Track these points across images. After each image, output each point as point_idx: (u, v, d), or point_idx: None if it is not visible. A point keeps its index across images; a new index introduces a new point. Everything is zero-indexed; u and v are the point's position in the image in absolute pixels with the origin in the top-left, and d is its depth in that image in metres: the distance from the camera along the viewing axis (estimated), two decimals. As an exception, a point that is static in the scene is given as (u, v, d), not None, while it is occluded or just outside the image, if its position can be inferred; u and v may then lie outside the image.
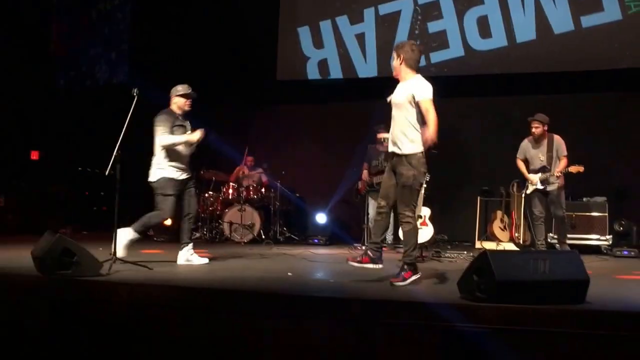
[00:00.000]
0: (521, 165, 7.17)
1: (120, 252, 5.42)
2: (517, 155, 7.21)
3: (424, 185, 7.33)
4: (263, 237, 8.78)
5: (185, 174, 5.90)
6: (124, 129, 5.59)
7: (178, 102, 5.96)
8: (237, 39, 10.14)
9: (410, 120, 4.66)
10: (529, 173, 7.08)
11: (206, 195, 9.19)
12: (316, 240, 8.71)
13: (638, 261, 7.06)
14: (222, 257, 6.85)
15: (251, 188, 9.14)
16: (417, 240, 4.82)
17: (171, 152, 5.81)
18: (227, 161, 9.49)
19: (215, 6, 10.24)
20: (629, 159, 8.16)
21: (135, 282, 4.54)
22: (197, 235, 9.07)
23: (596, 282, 4.24)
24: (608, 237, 7.79)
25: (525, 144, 7.16)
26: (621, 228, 7.79)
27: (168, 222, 9.13)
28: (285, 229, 9.25)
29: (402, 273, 4.70)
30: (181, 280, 4.86)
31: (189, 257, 5.94)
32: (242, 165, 9.50)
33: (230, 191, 9.13)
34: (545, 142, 6.99)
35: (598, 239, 7.82)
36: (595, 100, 8.73)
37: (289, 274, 5.46)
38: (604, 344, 3.55)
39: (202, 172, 9.20)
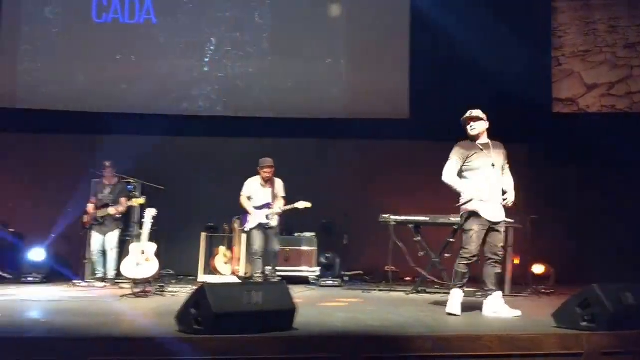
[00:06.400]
0: (245, 202, 7.68)
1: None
2: (242, 193, 7.71)
3: (150, 221, 7.44)
4: (-32, 276, 7.97)
5: None
6: None
7: None
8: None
9: None
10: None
11: None
12: (31, 278, 8.15)
13: (340, 290, 7.87)
14: None
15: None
16: None
17: None
18: None
19: None
20: (335, 197, 9.18)
21: None
22: None
23: (303, 310, 4.74)
24: (316, 268, 8.58)
25: (252, 182, 7.73)
26: (327, 260, 8.66)
27: None
28: (-5, 266, 8.49)
29: None
30: None
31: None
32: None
33: None
34: (271, 183, 7.68)
35: (307, 271, 8.58)
36: (307, 145, 9.69)
37: (-5, 315, 5.10)
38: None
39: None
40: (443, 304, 5.77)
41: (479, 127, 5.44)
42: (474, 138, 5.45)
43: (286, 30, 9.84)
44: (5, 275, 8.41)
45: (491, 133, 5.56)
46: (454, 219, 7.05)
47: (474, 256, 5.32)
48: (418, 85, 9.52)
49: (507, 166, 5.53)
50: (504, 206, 5.40)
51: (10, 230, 8.92)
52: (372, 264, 8.85)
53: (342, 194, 9.18)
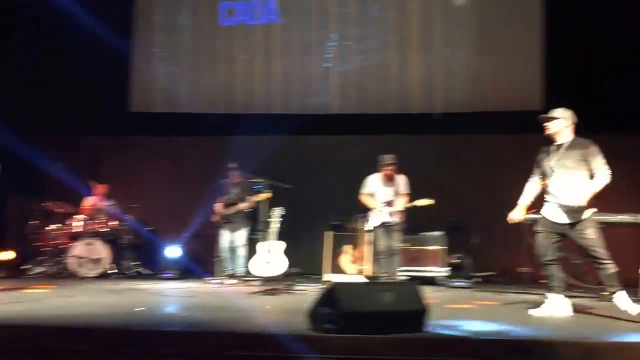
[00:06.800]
0: (367, 200, 7.58)
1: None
2: (363, 190, 7.62)
3: (278, 219, 7.55)
4: (112, 271, 8.46)
5: None
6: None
7: None
8: (88, 66, 9.85)
9: None
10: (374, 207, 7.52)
11: (50, 227, 8.73)
12: (168, 274, 8.55)
13: (471, 291, 7.56)
14: (67, 293, 6.57)
15: (100, 221, 8.82)
16: None
17: None
18: (73, 193, 9.11)
19: (69, 34, 9.88)
20: (464, 194, 8.90)
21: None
22: (39, 270, 8.59)
23: (434, 311, 4.56)
24: (445, 269, 8.30)
25: (373, 180, 7.59)
26: (457, 260, 8.38)
27: (9, 256, 8.64)
28: (135, 263, 8.96)
29: None
30: (21, 318, 4.59)
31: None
32: (92, 197, 9.18)
33: (78, 224, 8.75)
34: (393, 180, 7.49)
35: (435, 271, 8.29)
36: (432, 141, 9.46)
37: (139, 308, 5.35)
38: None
39: (46, 204, 8.80)
40: (586, 308, 5.39)
41: (552, 127, 5.32)
42: (552, 139, 5.34)
43: (408, 22, 9.66)
44: (145, 271, 8.87)
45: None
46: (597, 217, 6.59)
47: (542, 258, 5.31)
48: (553, 73, 9.01)
49: (594, 166, 5.14)
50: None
51: (149, 228, 9.40)
52: (504, 265, 8.49)
53: (471, 191, 8.88)
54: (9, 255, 8.66)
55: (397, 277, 7.40)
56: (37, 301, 5.70)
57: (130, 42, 10.15)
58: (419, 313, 4.27)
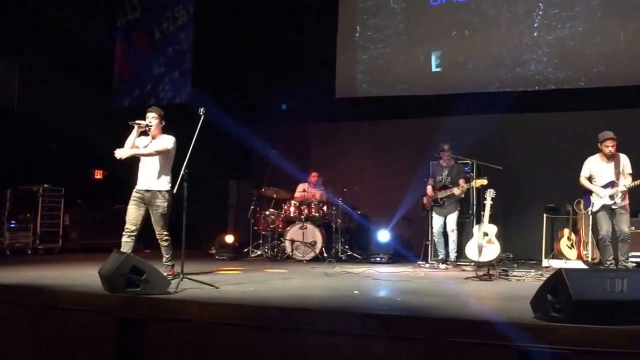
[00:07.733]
0: (586, 183, 6.94)
1: None
2: (582, 174, 6.97)
3: (490, 203, 7.23)
4: (325, 255, 8.75)
5: None
6: (191, 147, 5.71)
7: None
8: (296, 56, 10.26)
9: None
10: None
11: (267, 212, 9.26)
12: (378, 259, 8.62)
13: None
14: (285, 275, 6.92)
15: (313, 206, 9.16)
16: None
17: None
18: (287, 178, 9.55)
19: (275, 24, 10.37)
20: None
21: (204, 301, 4.59)
22: (258, 253, 9.16)
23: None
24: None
25: (593, 161, 6.94)
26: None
27: (230, 239, 9.31)
28: (347, 247, 9.18)
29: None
30: (248, 299, 4.89)
31: None
32: (305, 183, 9.57)
33: (292, 209, 9.17)
34: (614, 159, 6.82)
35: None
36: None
37: (356, 292, 5.45)
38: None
39: (263, 190, 9.31)
40: None
41: None
42: None
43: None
44: (356, 255, 9.05)
45: None
46: None
47: None
48: None
49: None
50: None
51: (358, 212, 9.57)
52: None
53: None
54: (231, 238, 9.31)
55: (626, 264, 6.70)
56: (261, 282, 6.05)
57: (334, 28, 10.30)
58: (661, 304, 3.83)
